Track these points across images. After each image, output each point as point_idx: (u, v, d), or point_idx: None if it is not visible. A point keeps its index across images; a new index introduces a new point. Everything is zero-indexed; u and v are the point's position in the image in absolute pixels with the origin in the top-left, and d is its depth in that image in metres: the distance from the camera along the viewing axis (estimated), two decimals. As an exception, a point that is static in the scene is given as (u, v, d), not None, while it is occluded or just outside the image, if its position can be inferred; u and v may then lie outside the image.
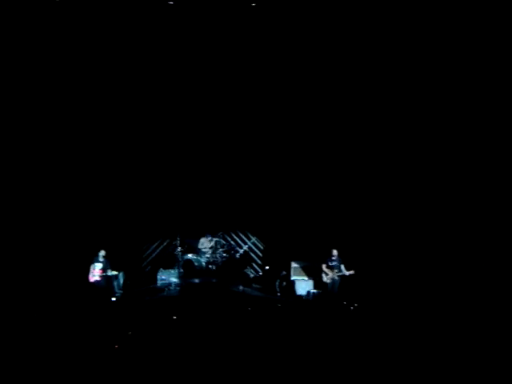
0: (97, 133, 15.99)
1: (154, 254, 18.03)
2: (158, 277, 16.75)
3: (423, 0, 13.33)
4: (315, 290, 15.62)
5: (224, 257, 17.25)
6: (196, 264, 16.79)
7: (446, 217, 14.19)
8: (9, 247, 14.52)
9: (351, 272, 14.42)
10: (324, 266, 14.68)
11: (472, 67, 13.79)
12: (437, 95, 14.49)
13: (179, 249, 16.89)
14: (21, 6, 13.19)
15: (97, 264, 14.43)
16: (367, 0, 13.53)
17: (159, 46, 14.68)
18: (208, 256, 17.10)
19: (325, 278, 14.72)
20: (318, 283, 15.38)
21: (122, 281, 15.75)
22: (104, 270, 14.43)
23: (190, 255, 16.93)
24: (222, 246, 17.46)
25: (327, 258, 14.67)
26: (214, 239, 17.44)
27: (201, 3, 13.64)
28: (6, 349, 10.05)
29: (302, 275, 16.05)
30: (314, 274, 15.69)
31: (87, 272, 14.48)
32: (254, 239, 18.49)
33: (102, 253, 14.50)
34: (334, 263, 14.59)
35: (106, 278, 14.55)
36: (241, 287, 15.98)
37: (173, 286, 16.17)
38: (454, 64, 14.02)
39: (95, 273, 14.39)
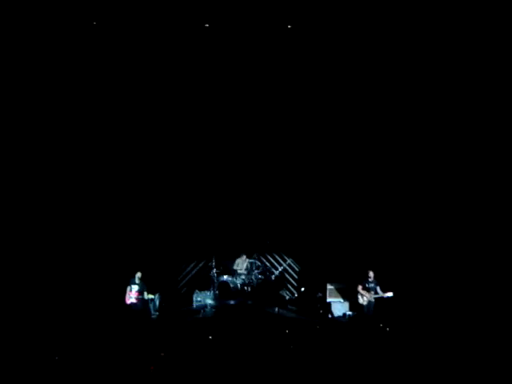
0: (134, 152, 16.32)
1: (189, 276, 18.08)
2: (194, 298, 16.78)
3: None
4: (351, 312, 15.47)
5: (259, 278, 17.20)
6: (231, 285, 16.77)
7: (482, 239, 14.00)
8: (48, 267, 14.85)
9: (389, 294, 14.17)
10: (360, 288, 14.47)
11: (472, 67, 13.67)
12: (437, 95, 14.40)
13: (215, 270, 16.96)
14: (21, 6, 13.48)
15: (133, 286, 14.51)
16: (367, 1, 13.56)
17: (161, 49, 14.89)
18: (243, 277, 17.06)
19: (361, 300, 14.50)
20: (354, 305, 15.20)
21: (157, 302, 15.82)
22: (140, 292, 14.50)
23: (225, 277, 16.91)
24: (258, 268, 17.41)
25: (363, 279, 14.48)
26: (250, 260, 17.42)
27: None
28: (37, 369, 10.20)
29: (338, 297, 15.89)
30: (349, 295, 15.52)
31: (124, 294, 14.60)
32: (289, 261, 18.39)
33: (139, 275, 14.56)
34: (370, 285, 14.38)
35: (142, 301, 14.61)
36: (276, 309, 15.87)
37: (208, 307, 16.22)
38: (453, 64, 13.93)
39: (131, 295, 14.48)
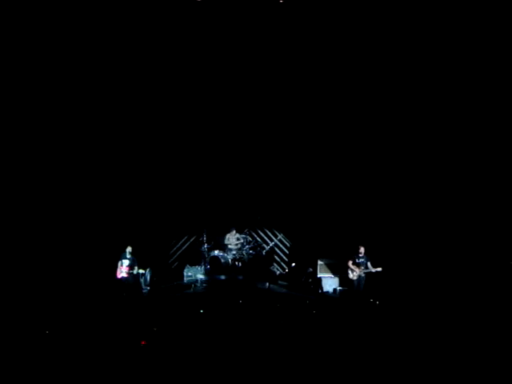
0: (123, 130, 16.21)
1: (180, 251, 18.10)
2: (185, 273, 16.85)
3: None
4: (341, 287, 15.57)
5: (250, 254, 17.25)
6: (222, 261, 16.81)
7: (472, 213, 14.09)
8: (37, 244, 14.80)
9: (378, 269, 14.25)
10: (350, 263, 14.53)
11: (472, 67, 13.65)
12: (437, 95, 14.40)
13: (206, 245, 16.98)
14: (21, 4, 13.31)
15: (124, 261, 14.55)
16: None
17: (163, 48, 14.79)
18: (234, 253, 17.10)
19: (351, 275, 14.56)
20: (344, 280, 15.29)
21: (148, 277, 15.84)
22: (131, 267, 14.54)
23: (216, 252, 16.95)
24: (249, 243, 17.45)
25: (354, 254, 14.54)
26: (241, 236, 17.44)
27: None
28: (29, 343, 10.21)
29: (329, 272, 15.98)
30: (340, 271, 15.60)
31: (115, 268, 14.61)
32: (280, 236, 18.44)
33: (129, 249, 14.59)
34: (360, 260, 14.44)
35: (133, 275, 14.66)
36: (267, 284, 15.94)
37: (199, 282, 16.26)
38: (453, 64, 13.90)
39: (122, 269, 14.51)
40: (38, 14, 13.61)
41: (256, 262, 17.25)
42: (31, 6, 13.41)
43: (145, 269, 15.38)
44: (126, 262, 14.52)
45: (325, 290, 15.74)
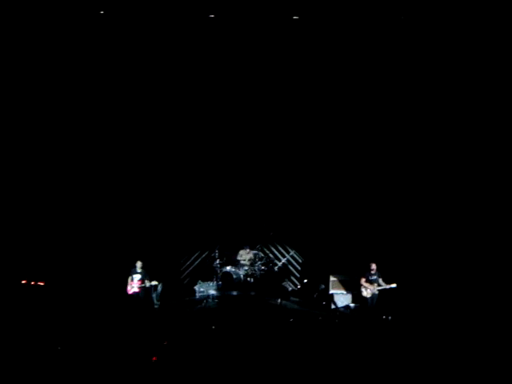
0: (138, 143, 16.33)
1: (192, 266, 18.09)
2: (197, 289, 16.82)
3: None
4: (353, 304, 15.46)
5: (262, 270, 17.20)
6: (234, 276, 16.76)
7: (485, 228, 13.98)
8: (50, 260, 14.89)
9: (393, 285, 14.10)
10: (363, 281, 14.39)
11: (472, 67, 13.61)
12: (437, 95, 14.35)
13: (218, 261, 16.96)
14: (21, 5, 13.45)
15: (135, 276, 14.47)
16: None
17: (163, 42, 14.88)
18: (246, 269, 17.05)
19: (365, 293, 14.39)
20: (357, 297, 15.18)
21: (160, 292, 15.82)
22: (142, 280, 14.46)
23: (228, 268, 16.91)
24: (261, 259, 17.40)
25: (366, 272, 14.42)
26: (253, 252, 17.41)
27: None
28: (42, 359, 10.23)
29: (341, 289, 15.88)
30: (352, 287, 15.49)
31: (125, 284, 14.57)
32: (292, 252, 18.38)
33: (139, 264, 14.49)
34: (373, 277, 14.32)
35: (144, 290, 14.55)
36: (279, 300, 15.86)
37: (211, 298, 16.21)
38: (453, 64, 13.88)
39: (133, 284, 14.45)
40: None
41: (268, 278, 17.19)
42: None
43: (157, 282, 15.35)
44: (137, 277, 14.44)
45: (337, 306, 15.64)
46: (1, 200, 14.83)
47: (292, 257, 18.35)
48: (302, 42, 14.82)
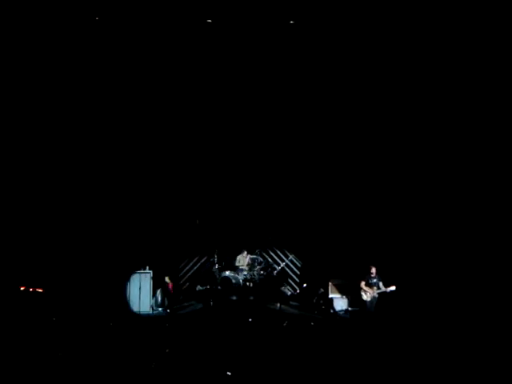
0: (137, 147, 16.32)
1: (191, 271, 18.07)
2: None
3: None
4: (352, 308, 15.48)
5: (261, 274, 17.21)
6: (233, 281, 16.76)
7: (487, 232, 13.96)
8: (49, 267, 14.86)
9: (392, 288, 14.07)
10: (363, 284, 14.38)
11: (472, 67, 13.65)
12: (437, 96, 14.41)
13: (217, 266, 16.96)
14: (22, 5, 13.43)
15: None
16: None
17: (162, 45, 14.82)
18: (245, 273, 17.06)
19: (364, 297, 14.38)
20: (355, 301, 15.18)
21: (160, 298, 15.82)
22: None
23: (227, 272, 16.92)
24: (260, 264, 17.41)
25: (366, 275, 14.43)
26: (252, 256, 17.41)
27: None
28: (42, 366, 10.19)
29: (340, 293, 15.89)
30: (351, 291, 15.50)
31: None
32: (291, 257, 18.40)
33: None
34: (373, 281, 14.32)
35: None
36: (278, 305, 15.87)
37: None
38: (453, 64, 13.92)
39: None
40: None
41: (267, 282, 17.20)
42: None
43: (156, 290, 15.34)
44: None
45: (336, 310, 15.65)
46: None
47: (291, 261, 18.38)
48: (299, 46, 14.84)
